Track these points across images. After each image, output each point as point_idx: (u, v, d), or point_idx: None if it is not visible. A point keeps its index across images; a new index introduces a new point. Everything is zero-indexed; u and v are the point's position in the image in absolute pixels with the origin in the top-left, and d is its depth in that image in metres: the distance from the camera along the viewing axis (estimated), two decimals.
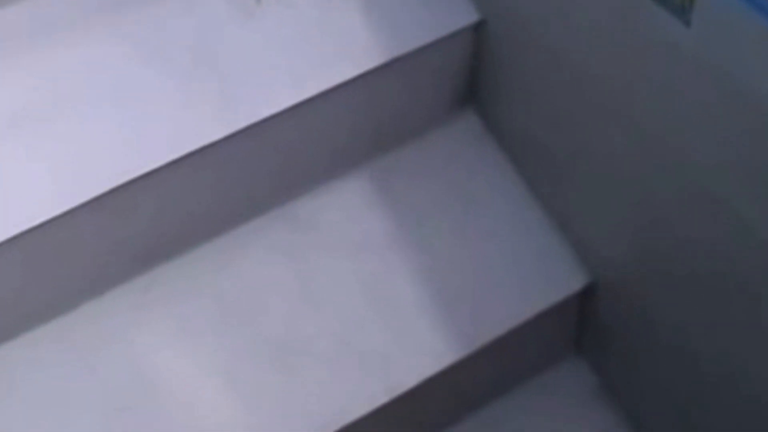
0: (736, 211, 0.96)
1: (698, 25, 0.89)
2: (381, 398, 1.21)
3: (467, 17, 1.30)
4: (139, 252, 1.27)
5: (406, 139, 1.38)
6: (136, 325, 1.25)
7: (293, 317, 1.27)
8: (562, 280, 1.31)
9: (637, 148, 1.09)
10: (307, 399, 1.21)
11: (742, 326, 1.05)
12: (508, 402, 1.41)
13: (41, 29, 1.26)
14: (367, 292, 1.29)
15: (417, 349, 1.25)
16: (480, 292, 1.30)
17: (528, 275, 1.31)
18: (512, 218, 1.35)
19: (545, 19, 1.17)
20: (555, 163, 1.30)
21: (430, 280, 1.30)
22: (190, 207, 1.27)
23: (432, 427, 1.37)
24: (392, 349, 1.25)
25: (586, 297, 1.32)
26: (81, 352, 1.23)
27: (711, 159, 0.97)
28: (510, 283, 1.30)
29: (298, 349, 1.25)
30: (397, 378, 1.23)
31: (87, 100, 1.22)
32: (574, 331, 1.41)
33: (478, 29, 1.31)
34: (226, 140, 1.19)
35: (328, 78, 1.24)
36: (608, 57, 1.07)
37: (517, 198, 1.36)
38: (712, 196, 0.99)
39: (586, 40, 1.10)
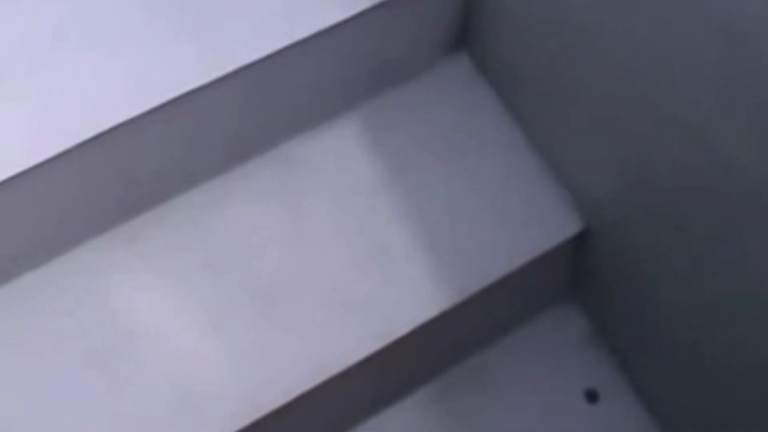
0: (720, 149, 0.95)
1: None
2: (372, 346, 1.21)
3: None
4: (125, 198, 1.25)
5: (398, 81, 1.36)
6: (123, 271, 1.24)
7: (282, 262, 1.26)
8: (556, 226, 1.30)
9: (625, 84, 1.07)
10: (296, 347, 1.21)
11: (730, 266, 1.04)
12: (500, 346, 1.41)
13: None
14: (358, 237, 1.28)
15: (409, 296, 1.24)
16: (473, 238, 1.28)
17: (521, 220, 1.30)
18: (505, 161, 1.33)
19: None
20: (545, 104, 1.28)
21: (423, 224, 1.29)
22: (178, 151, 1.24)
23: (424, 374, 1.37)
24: (383, 295, 1.24)
25: (579, 242, 1.31)
26: (66, 298, 1.22)
27: (698, 96, 0.95)
28: (503, 228, 1.29)
29: (287, 295, 1.24)
30: (388, 325, 1.22)
31: (70, 42, 1.18)
32: (567, 276, 1.41)
33: None
34: (215, 84, 1.16)
35: (320, 19, 1.20)
36: None
37: (509, 140, 1.34)
38: (695, 132, 0.98)
39: None
